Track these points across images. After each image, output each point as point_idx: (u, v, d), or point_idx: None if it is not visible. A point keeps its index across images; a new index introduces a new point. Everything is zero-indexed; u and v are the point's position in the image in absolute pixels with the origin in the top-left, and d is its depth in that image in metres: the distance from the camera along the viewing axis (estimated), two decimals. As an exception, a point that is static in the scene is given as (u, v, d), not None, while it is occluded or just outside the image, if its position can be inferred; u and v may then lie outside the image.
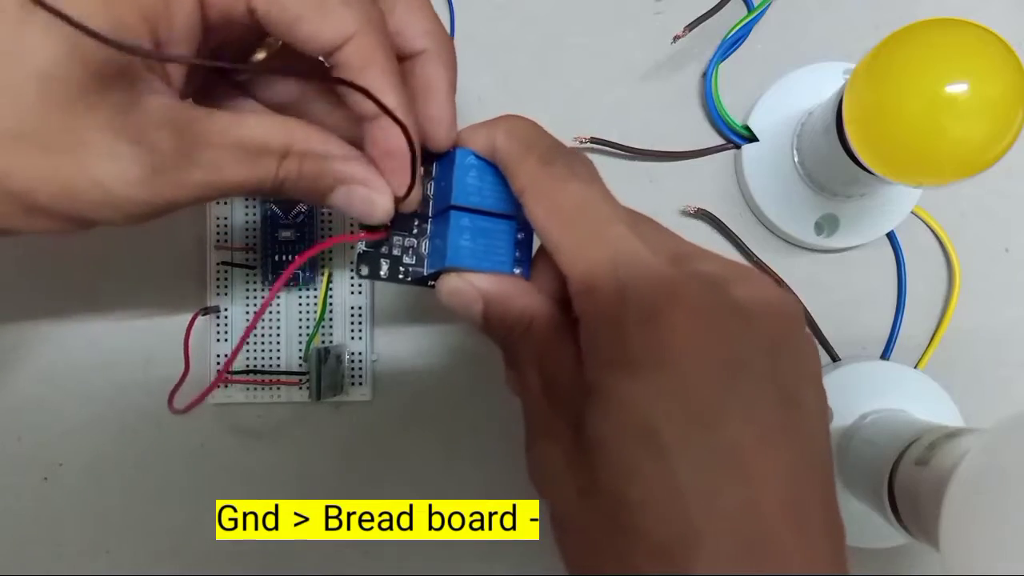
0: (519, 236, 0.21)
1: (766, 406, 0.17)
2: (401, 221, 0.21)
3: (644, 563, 0.17)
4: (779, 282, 0.29)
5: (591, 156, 0.29)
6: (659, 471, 0.16)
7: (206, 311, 0.27)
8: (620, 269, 0.17)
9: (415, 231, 0.21)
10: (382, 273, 0.21)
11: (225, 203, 0.28)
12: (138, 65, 0.17)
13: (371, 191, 0.20)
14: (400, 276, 0.21)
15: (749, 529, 0.16)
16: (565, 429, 0.18)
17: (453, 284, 0.20)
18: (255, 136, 0.18)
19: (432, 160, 0.21)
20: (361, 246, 0.21)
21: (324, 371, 0.26)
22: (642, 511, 0.16)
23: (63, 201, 0.17)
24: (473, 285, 0.20)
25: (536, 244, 0.21)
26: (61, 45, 0.16)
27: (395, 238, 0.21)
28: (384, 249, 0.21)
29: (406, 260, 0.21)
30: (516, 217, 0.21)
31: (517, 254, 0.21)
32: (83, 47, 0.16)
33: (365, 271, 0.21)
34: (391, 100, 0.18)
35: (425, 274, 0.21)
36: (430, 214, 0.21)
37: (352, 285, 0.28)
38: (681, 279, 0.17)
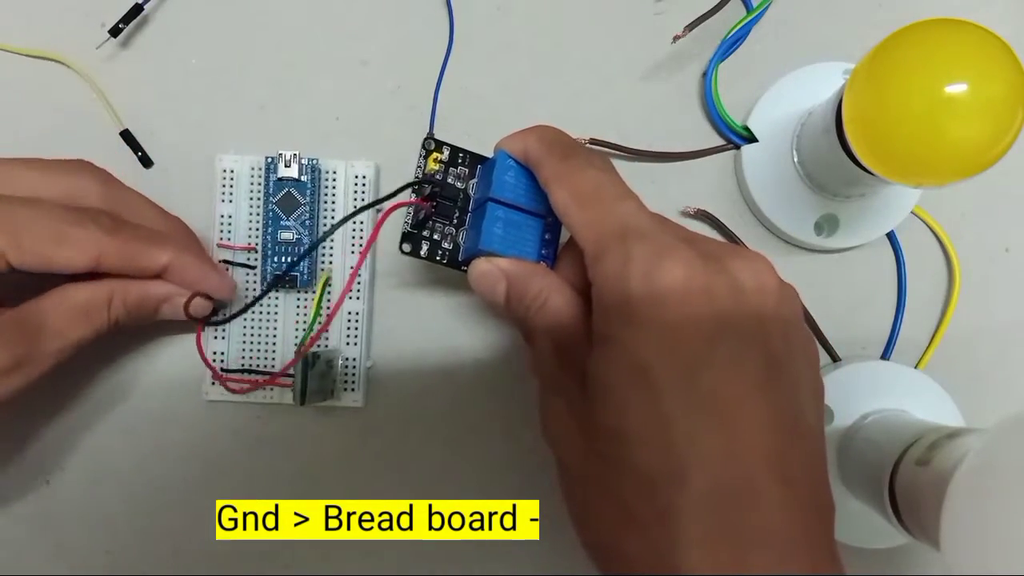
0: (546, 237, 0.24)
1: (751, 366, 0.19)
2: (443, 210, 0.24)
3: (632, 496, 0.18)
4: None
5: (591, 156, 0.29)
6: (650, 407, 0.18)
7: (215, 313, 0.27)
8: (627, 236, 0.20)
9: (455, 221, 0.25)
10: (422, 253, 0.25)
11: (230, 201, 0.28)
12: None
13: (185, 299, 0.25)
14: (437, 258, 0.25)
15: (732, 473, 0.18)
16: (571, 384, 0.21)
17: (482, 267, 0.23)
18: (81, 298, 0.24)
19: (477, 164, 0.25)
20: (406, 227, 0.25)
21: (312, 375, 0.25)
22: (633, 442, 0.18)
23: None
24: (498, 267, 0.23)
25: (559, 245, 0.24)
26: None
27: (436, 225, 0.25)
28: (426, 233, 0.25)
29: (444, 245, 0.25)
30: (544, 218, 0.23)
31: (543, 251, 0.24)
32: None
33: (407, 248, 0.25)
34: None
35: (460, 258, 0.25)
36: (471, 209, 0.25)
37: (350, 290, 0.28)
38: (681, 247, 0.19)
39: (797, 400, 0.19)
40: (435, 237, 0.25)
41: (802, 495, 0.18)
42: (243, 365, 0.28)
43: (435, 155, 0.25)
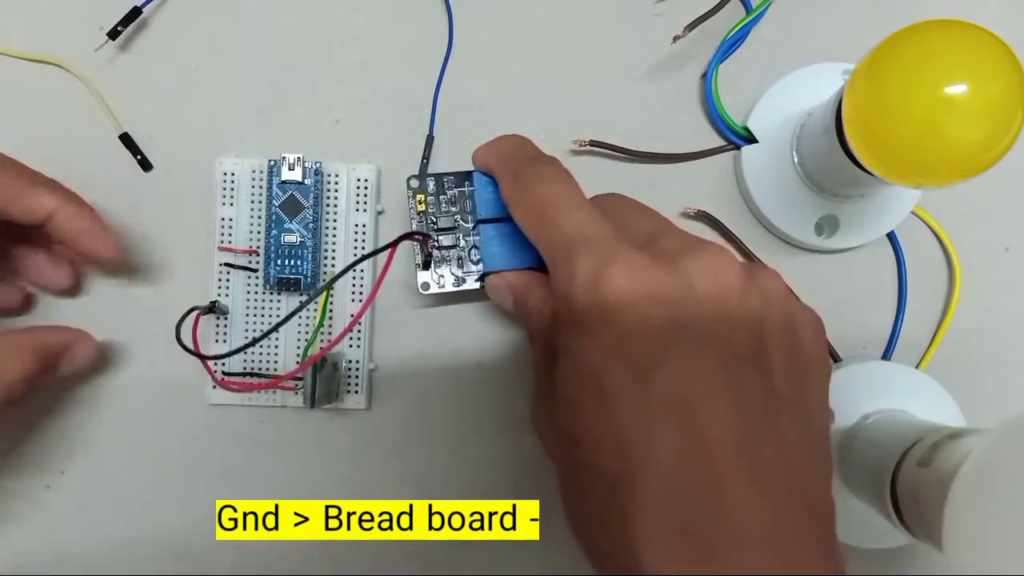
0: None
1: (708, 365, 0.19)
2: (446, 240, 0.26)
3: (599, 499, 0.19)
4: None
5: (590, 159, 0.30)
6: (603, 414, 0.19)
7: (213, 305, 0.27)
8: (572, 247, 0.20)
9: (461, 244, 0.26)
10: (440, 286, 0.26)
11: (231, 204, 0.28)
12: None
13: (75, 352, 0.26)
14: (453, 286, 0.26)
15: (691, 471, 0.18)
16: (551, 389, 0.21)
17: (492, 282, 0.25)
18: None
19: (465, 180, 0.26)
20: (418, 268, 0.26)
21: (319, 378, 0.25)
22: (590, 447, 0.19)
23: None
24: (505, 280, 0.25)
25: None
26: None
27: (445, 256, 0.26)
28: (438, 268, 0.26)
29: (457, 272, 0.26)
30: None
31: None
32: None
33: (426, 290, 0.26)
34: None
35: (475, 278, 0.26)
36: (471, 226, 0.26)
37: (353, 293, 0.28)
38: (626, 252, 0.19)
39: (771, 394, 0.19)
40: (449, 268, 0.26)
41: (776, 490, 0.18)
42: (245, 368, 0.28)
43: (419, 197, 0.26)
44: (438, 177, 0.26)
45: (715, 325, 0.19)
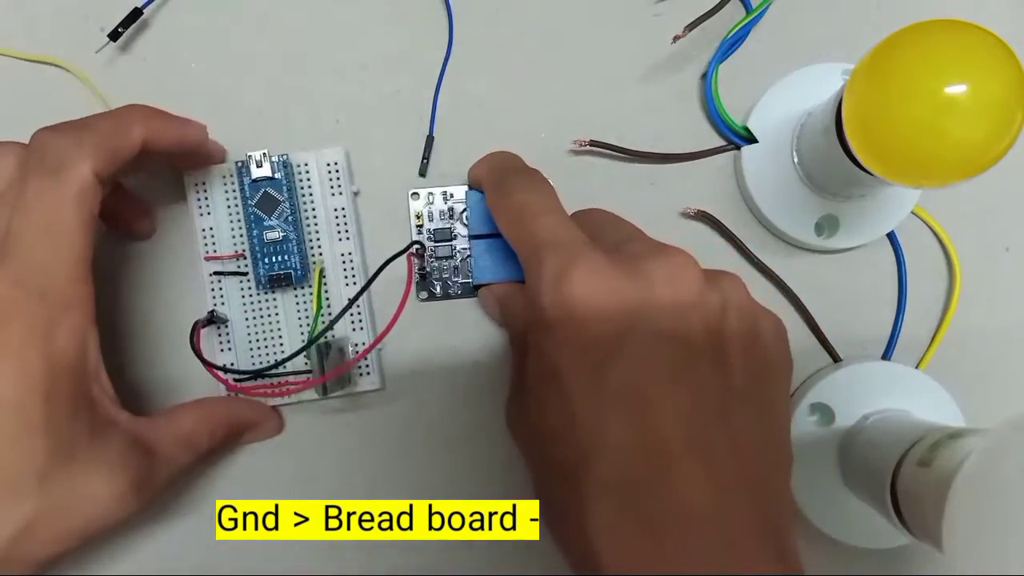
0: None
1: (663, 359, 0.19)
2: (443, 251, 0.28)
3: (559, 487, 0.20)
4: (781, 284, 0.29)
5: (590, 159, 0.30)
6: (561, 406, 0.20)
7: (212, 315, 0.27)
8: (540, 251, 0.21)
9: (456, 254, 0.28)
10: (437, 294, 0.28)
11: (209, 213, 0.28)
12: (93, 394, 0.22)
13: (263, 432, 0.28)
14: (450, 293, 0.28)
15: (643, 461, 0.18)
16: (523, 387, 0.22)
17: (482, 294, 0.28)
18: (188, 427, 0.25)
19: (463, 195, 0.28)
20: (417, 276, 0.28)
21: (327, 365, 0.26)
22: (550, 440, 0.20)
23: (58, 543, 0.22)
24: (492, 292, 0.27)
25: None
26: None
27: (443, 266, 0.28)
28: (436, 275, 0.28)
29: (454, 279, 0.28)
30: None
31: None
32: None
33: (424, 296, 0.28)
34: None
35: (472, 286, 0.28)
36: (468, 245, 0.28)
37: (346, 277, 0.28)
38: (589, 254, 0.20)
39: (726, 389, 0.20)
40: (444, 276, 0.28)
41: (725, 477, 0.19)
42: (254, 368, 0.28)
43: (418, 212, 0.28)
44: (443, 193, 0.28)
45: (671, 323, 0.20)
